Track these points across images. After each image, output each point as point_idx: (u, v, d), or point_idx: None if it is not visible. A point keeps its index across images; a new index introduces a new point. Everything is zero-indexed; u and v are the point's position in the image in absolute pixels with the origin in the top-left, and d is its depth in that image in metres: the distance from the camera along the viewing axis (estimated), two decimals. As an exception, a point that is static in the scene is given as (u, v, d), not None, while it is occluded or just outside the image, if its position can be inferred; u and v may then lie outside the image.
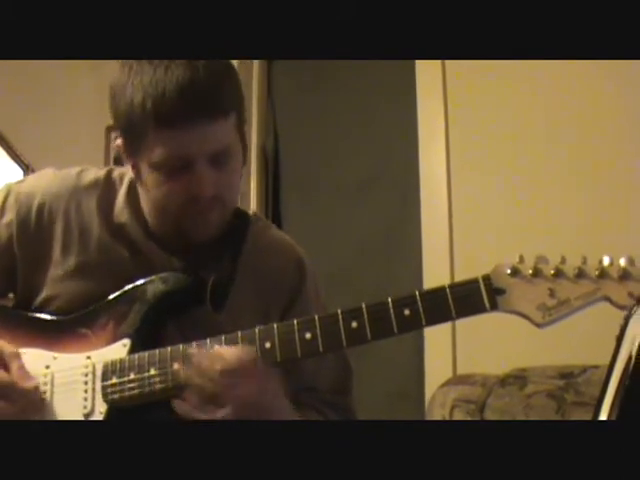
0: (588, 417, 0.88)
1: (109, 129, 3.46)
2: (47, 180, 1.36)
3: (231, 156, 1.24)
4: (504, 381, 1.97)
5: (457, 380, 2.14)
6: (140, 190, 1.31)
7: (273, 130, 3.05)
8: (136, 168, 1.26)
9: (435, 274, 2.43)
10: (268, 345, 1.16)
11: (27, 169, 3.20)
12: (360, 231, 2.77)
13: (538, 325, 1.08)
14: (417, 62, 2.59)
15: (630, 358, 0.84)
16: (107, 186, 1.36)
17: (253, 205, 2.95)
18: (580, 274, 1.06)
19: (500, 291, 1.09)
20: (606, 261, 1.06)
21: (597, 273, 1.05)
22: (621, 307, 1.03)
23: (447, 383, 2.13)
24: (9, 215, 1.33)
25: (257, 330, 1.17)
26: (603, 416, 0.81)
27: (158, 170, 1.21)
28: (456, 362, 2.36)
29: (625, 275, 1.04)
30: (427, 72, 2.55)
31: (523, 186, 2.32)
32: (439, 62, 2.50)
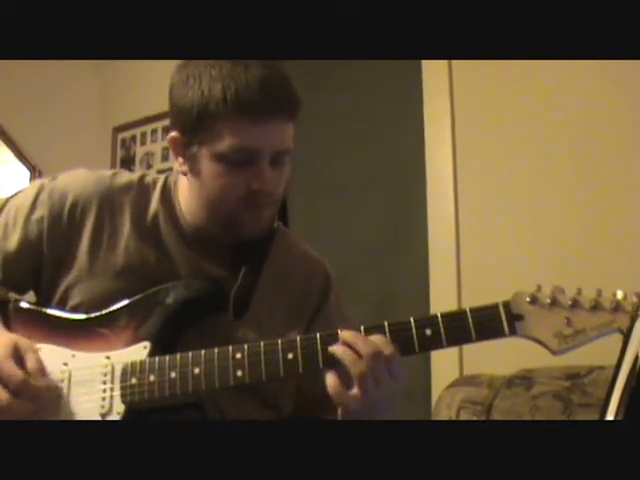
0: (594, 418, 0.88)
1: (115, 130, 3.48)
2: (81, 179, 1.37)
3: (288, 158, 1.28)
4: (510, 382, 1.97)
5: (464, 381, 2.14)
6: (187, 184, 1.32)
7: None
8: (193, 159, 1.27)
9: (441, 275, 2.42)
10: (291, 356, 1.16)
11: (34, 170, 3.22)
12: (365, 231, 2.76)
13: (554, 352, 1.11)
14: (423, 62, 2.59)
15: (636, 358, 0.84)
16: (140, 189, 1.37)
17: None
18: (596, 306, 1.10)
19: (519, 317, 1.13)
20: (619, 295, 1.10)
21: (612, 306, 1.09)
22: None
23: (454, 384, 2.12)
24: (40, 211, 1.33)
25: (280, 341, 1.17)
26: (609, 417, 0.82)
27: (221, 161, 1.23)
28: (463, 363, 2.36)
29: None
30: (433, 72, 2.54)
31: (529, 185, 2.32)
32: (445, 62, 2.50)
